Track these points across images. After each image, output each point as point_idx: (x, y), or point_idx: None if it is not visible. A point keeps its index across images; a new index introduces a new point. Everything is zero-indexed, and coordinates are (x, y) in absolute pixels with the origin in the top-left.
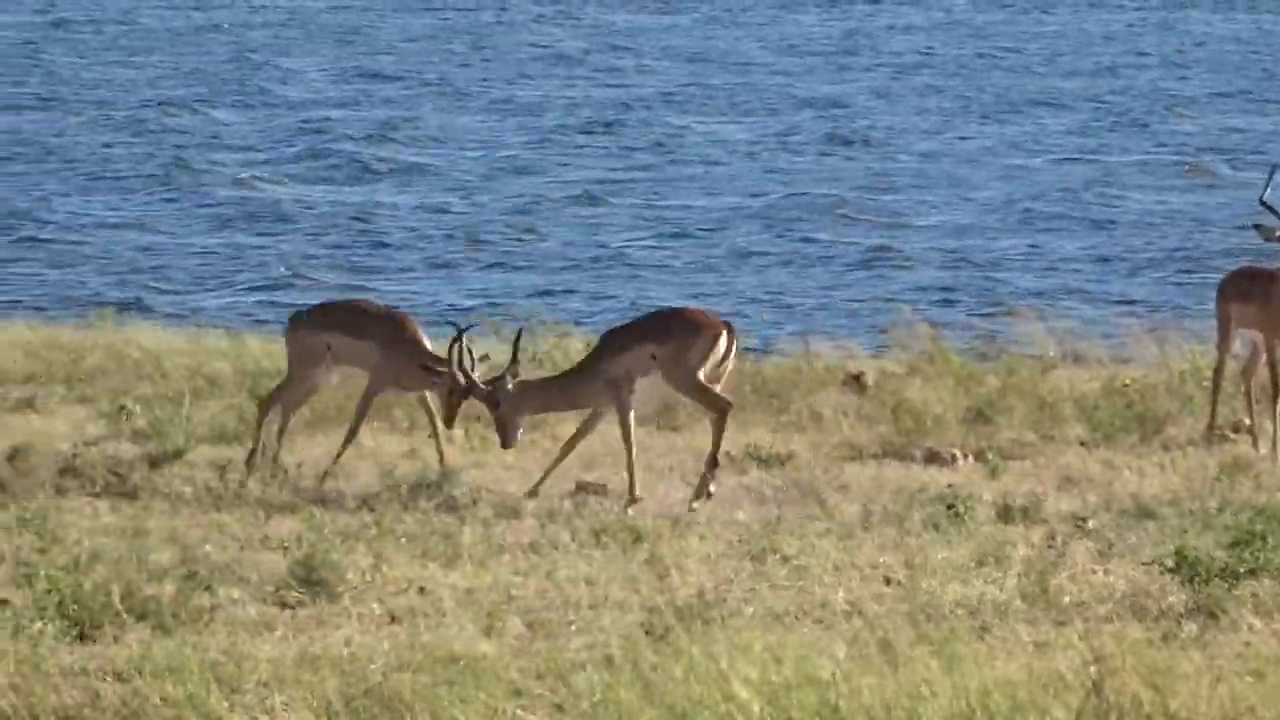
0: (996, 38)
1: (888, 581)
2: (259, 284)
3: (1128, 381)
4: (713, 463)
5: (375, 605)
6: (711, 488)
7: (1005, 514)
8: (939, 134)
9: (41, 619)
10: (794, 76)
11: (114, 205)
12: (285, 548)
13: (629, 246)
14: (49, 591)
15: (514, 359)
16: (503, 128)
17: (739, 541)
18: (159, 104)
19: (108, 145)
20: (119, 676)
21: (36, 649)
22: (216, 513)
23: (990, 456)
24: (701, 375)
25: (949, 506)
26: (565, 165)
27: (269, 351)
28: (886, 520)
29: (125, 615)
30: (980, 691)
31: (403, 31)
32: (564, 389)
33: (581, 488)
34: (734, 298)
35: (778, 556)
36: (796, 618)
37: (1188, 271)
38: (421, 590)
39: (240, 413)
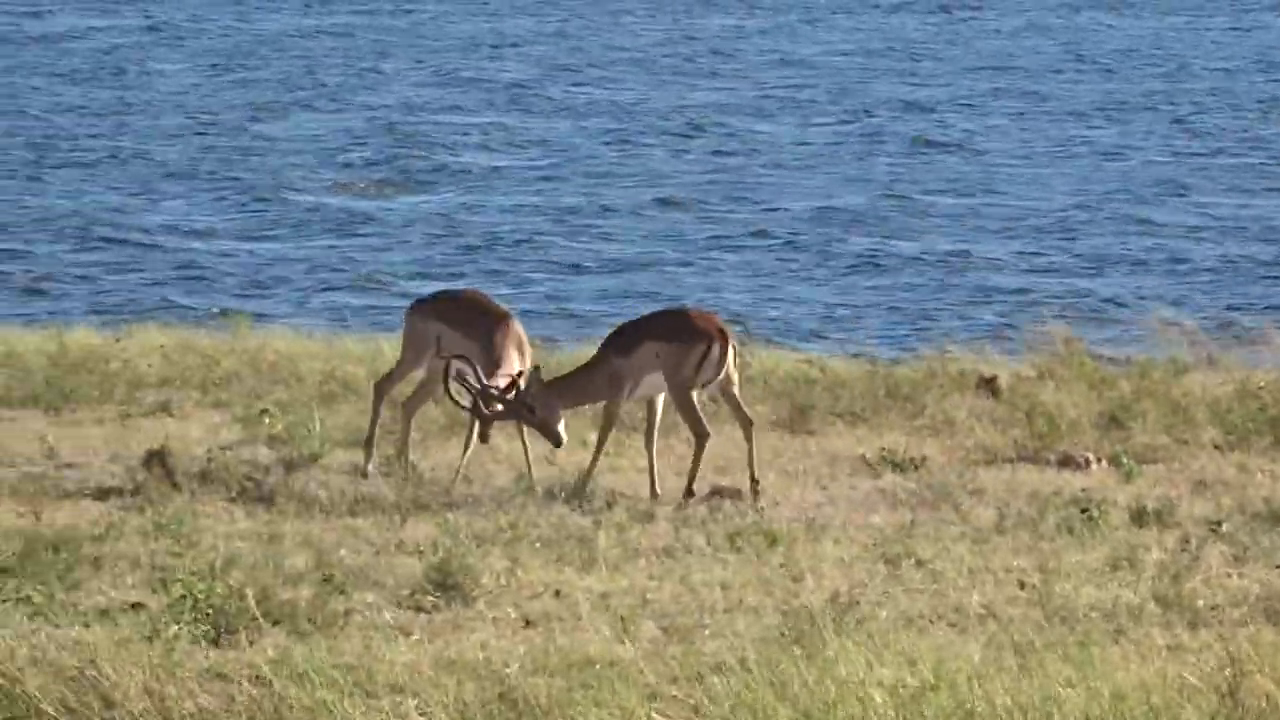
0: (1102, 41)
1: (1022, 585)
2: (344, 287)
3: (1261, 384)
4: (688, 492)
5: (510, 609)
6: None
7: (1139, 518)
8: (1030, 137)
9: (177, 623)
10: (887, 79)
11: (205, 210)
12: (420, 552)
13: (713, 249)
14: (184, 596)
15: (536, 368)
16: (590, 131)
17: (873, 545)
18: (254, 108)
19: (202, 150)
20: (254, 680)
21: (171, 653)
22: (351, 517)
23: (1124, 460)
24: (701, 382)
25: (1083, 510)
26: (651, 168)
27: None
28: (1021, 524)
29: (260, 619)
30: (1114, 695)
31: (508, 35)
32: (588, 383)
33: (716, 492)
34: (818, 301)
35: (912, 560)
36: (931, 621)
37: (1275, 277)
38: (557, 594)
39: None
